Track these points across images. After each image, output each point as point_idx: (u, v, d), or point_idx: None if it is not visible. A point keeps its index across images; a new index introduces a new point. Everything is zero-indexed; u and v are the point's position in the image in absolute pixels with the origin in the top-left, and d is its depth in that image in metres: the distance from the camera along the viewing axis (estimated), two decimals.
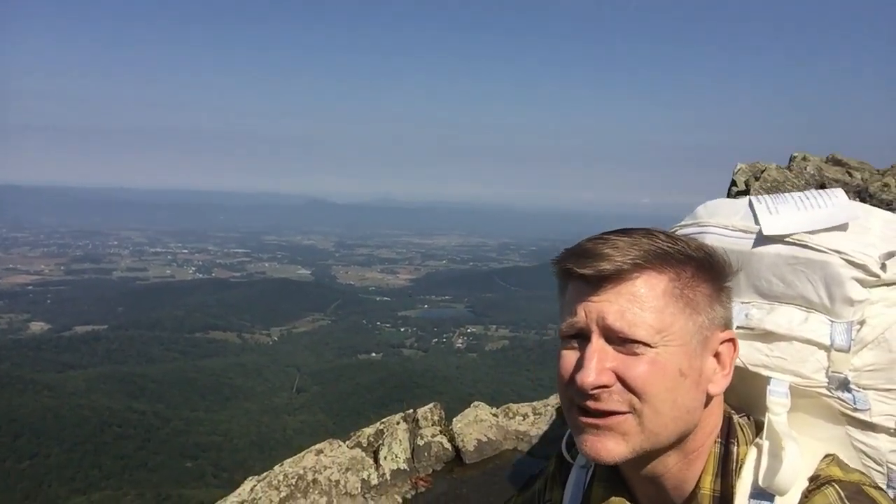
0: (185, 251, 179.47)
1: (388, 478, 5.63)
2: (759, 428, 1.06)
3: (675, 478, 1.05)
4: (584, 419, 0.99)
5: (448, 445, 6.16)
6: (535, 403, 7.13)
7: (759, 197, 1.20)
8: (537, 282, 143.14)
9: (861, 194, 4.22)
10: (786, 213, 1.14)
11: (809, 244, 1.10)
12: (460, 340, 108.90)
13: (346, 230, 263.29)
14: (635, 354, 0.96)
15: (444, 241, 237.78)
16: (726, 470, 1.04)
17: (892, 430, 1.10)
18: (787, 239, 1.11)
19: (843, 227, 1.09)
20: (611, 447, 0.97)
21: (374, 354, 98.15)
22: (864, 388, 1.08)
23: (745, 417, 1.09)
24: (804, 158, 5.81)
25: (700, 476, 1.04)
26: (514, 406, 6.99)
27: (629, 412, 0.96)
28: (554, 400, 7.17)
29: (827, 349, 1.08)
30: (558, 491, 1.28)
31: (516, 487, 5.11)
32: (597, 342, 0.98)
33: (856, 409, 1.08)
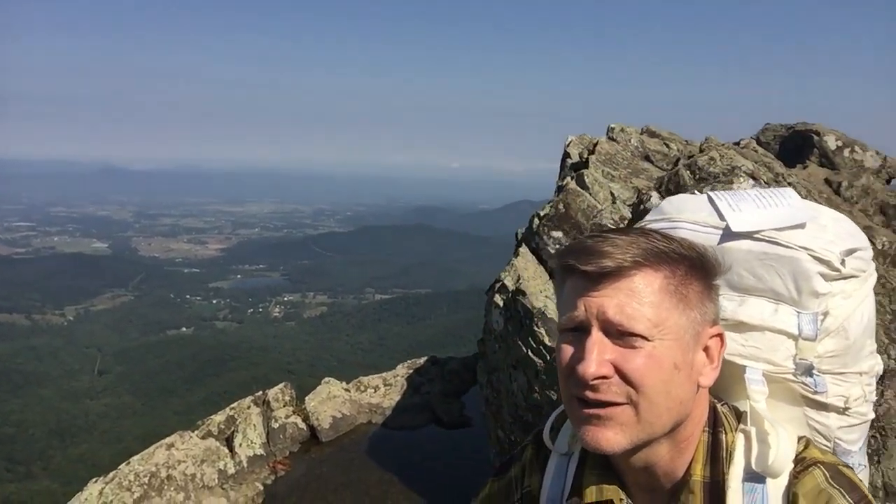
0: None
1: (246, 465, 5.53)
2: (737, 413, 1.16)
3: (667, 466, 1.11)
4: (586, 410, 1.04)
5: (303, 425, 6.15)
6: (385, 375, 7.47)
7: (718, 194, 1.30)
8: (354, 247, 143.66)
9: (691, 168, 4.55)
10: (748, 210, 1.24)
11: (779, 241, 1.20)
12: (277, 309, 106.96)
13: (146, 199, 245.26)
14: (633, 347, 1.01)
15: (255, 208, 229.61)
16: (716, 457, 1.10)
17: (841, 409, 1.24)
18: (757, 236, 1.21)
19: (802, 226, 1.21)
20: (610, 437, 1.03)
21: (184, 329, 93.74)
22: (822, 373, 1.21)
23: (726, 406, 1.17)
24: (622, 130, 6.45)
25: (690, 464, 1.10)
26: (364, 379, 7.25)
27: (626, 403, 1.02)
28: (402, 370, 7.63)
29: (795, 338, 1.20)
30: (537, 477, 1.31)
31: (375, 462, 5.67)
32: (596, 335, 1.02)
33: (816, 392, 1.21)
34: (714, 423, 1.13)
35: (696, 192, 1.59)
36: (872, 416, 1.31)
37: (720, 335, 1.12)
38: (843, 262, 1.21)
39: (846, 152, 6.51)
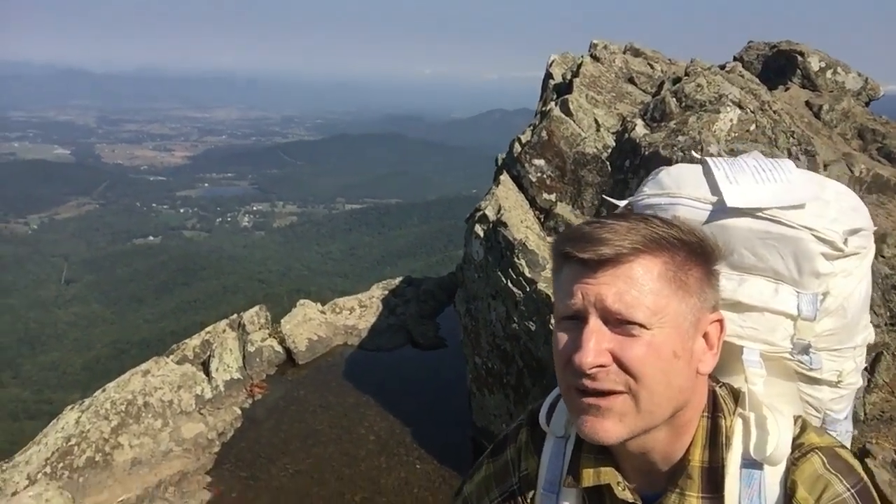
0: None
1: (223, 389, 5.52)
2: (734, 395, 1.14)
3: (664, 450, 1.09)
4: (585, 400, 1.01)
5: (279, 348, 6.15)
6: (360, 296, 7.48)
7: (716, 161, 1.25)
8: (324, 156, 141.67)
9: (677, 94, 4.44)
10: (745, 183, 1.20)
11: (782, 220, 1.16)
12: (246, 219, 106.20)
13: (109, 104, 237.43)
14: (632, 336, 0.99)
15: (222, 114, 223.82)
16: (715, 442, 1.08)
17: (834, 383, 1.24)
18: (759, 214, 1.17)
19: (801, 206, 1.17)
20: (609, 427, 1.01)
21: (151, 238, 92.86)
22: (819, 351, 1.20)
23: (724, 388, 1.15)
24: (605, 48, 6.29)
25: (689, 448, 1.09)
26: (340, 301, 7.24)
27: (625, 392, 1.00)
28: (378, 292, 7.64)
29: (794, 318, 1.18)
30: (533, 460, 1.29)
31: (352, 383, 5.70)
32: (594, 323, 1.00)
33: (811, 370, 1.20)
34: (713, 408, 1.12)
35: (697, 155, 1.51)
36: (861, 383, 1.31)
37: (720, 321, 1.10)
38: (845, 242, 1.18)
39: (828, 73, 6.44)
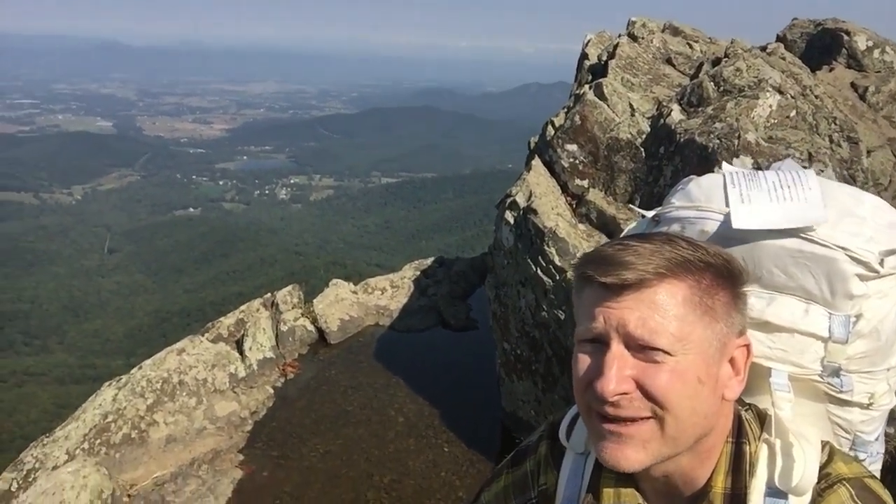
0: None
1: (256, 368, 5.57)
2: (760, 418, 1.10)
3: (687, 475, 1.07)
4: (606, 426, 0.99)
5: (311, 328, 6.18)
6: (392, 276, 7.49)
7: (735, 175, 1.21)
8: (360, 129, 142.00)
9: (715, 79, 4.31)
10: (758, 202, 1.17)
11: (815, 239, 1.12)
12: (284, 192, 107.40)
13: (149, 77, 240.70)
14: (655, 362, 0.96)
15: (259, 88, 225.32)
16: (739, 468, 1.05)
17: (865, 405, 1.19)
18: (794, 232, 1.14)
19: (811, 229, 1.13)
20: (630, 455, 0.99)
21: (192, 210, 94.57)
22: (850, 373, 1.16)
23: (750, 411, 1.11)
24: (644, 25, 6.13)
25: (712, 474, 1.06)
26: (372, 281, 7.25)
27: (650, 417, 0.98)
28: (409, 272, 7.66)
29: (825, 341, 1.13)
30: (552, 475, 1.27)
31: (382, 364, 5.76)
32: (616, 349, 0.98)
33: (841, 392, 1.16)
34: (738, 434, 1.08)
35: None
36: (894, 404, 1.26)
37: (747, 346, 1.06)
38: (881, 263, 1.13)
39: (876, 53, 6.20)
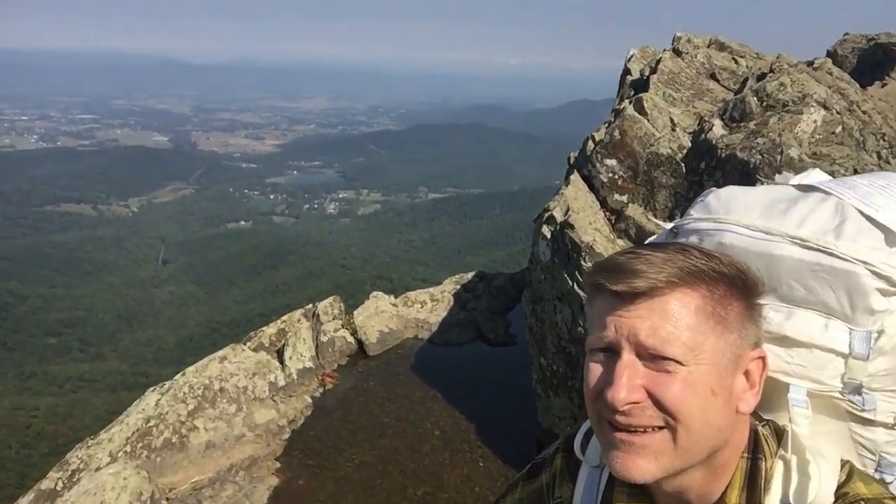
0: (25, 118, 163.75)
1: (296, 378, 5.67)
2: (778, 434, 1.08)
3: (700, 490, 1.05)
4: (618, 435, 0.99)
5: (351, 339, 6.28)
6: (431, 290, 7.59)
7: (832, 185, 1.18)
8: (408, 145, 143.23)
9: (759, 93, 4.30)
10: (886, 206, 1.13)
11: (836, 252, 1.09)
12: (332, 206, 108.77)
13: (204, 93, 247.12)
14: (667, 372, 0.96)
15: (310, 104, 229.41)
16: (753, 485, 1.04)
17: (890, 425, 1.15)
18: (812, 244, 1.11)
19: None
20: (642, 465, 0.98)
21: (243, 223, 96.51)
22: (872, 391, 1.12)
23: (768, 426, 1.10)
24: (689, 41, 6.10)
25: (726, 490, 1.05)
26: (412, 294, 7.36)
27: (662, 427, 0.97)
28: (450, 286, 7.73)
29: (845, 357, 1.10)
30: (568, 488, 1.26)
31: (420, 377, 5.83)
32: (627, 358, 0.97)
33: (863, 410, 1.12)
34: (754, 449, 1.06)
35: (764, 180, 1.43)
36: None
37: (762, 358, 1.04)
38: None
39: None
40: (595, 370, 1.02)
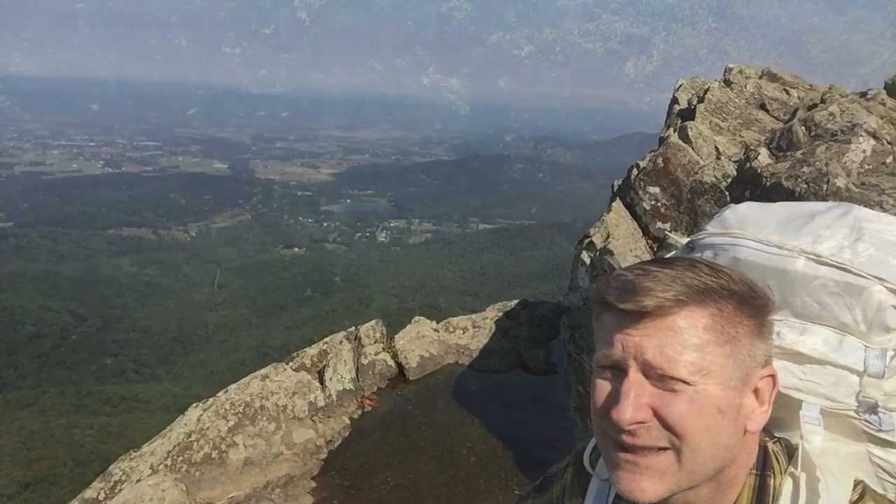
0: (92, 144, 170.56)
1: (335, 399, 5.73)
2: (789, 451, 1.08)
3: None
4: (622, 455, 0.98)
5: (391, 362, 6.33)
6: (473, 316, 7.62)
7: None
8: (460, 175, 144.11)
9: (807, 123, 4.28)
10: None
11: (851, 269, 1.08)
12: (383, 234, 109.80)
13: (264, 122, 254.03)
14: (673, 391, 0.94)
15: (366, 134, 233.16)
16: (762, 501, 1.03)
17: None
18: (828, 260, 1.10)
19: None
20: (646, 486, 0.97)
21: (296, 249, 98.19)
22: (889, 411, 1.09)
23: (778, 443, 1.09)
24: (740, 72, 6.08)
25: None
26: (454, 320, 7.40)
27: (668, 448, 0.96)
28: (492, 313, 7.75)
29: (860, 374, 1.08)
30: (577, 501, 1.27)
31: (458, 403, 5.86)
32: (634, 376, 0.96)
33: (880, 430, 1.09)
34: (763, 466, 1.05)
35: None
36: None
37: (772, 376, 1.03)
38: None
39: None
40: (602, 387, 1.01)
